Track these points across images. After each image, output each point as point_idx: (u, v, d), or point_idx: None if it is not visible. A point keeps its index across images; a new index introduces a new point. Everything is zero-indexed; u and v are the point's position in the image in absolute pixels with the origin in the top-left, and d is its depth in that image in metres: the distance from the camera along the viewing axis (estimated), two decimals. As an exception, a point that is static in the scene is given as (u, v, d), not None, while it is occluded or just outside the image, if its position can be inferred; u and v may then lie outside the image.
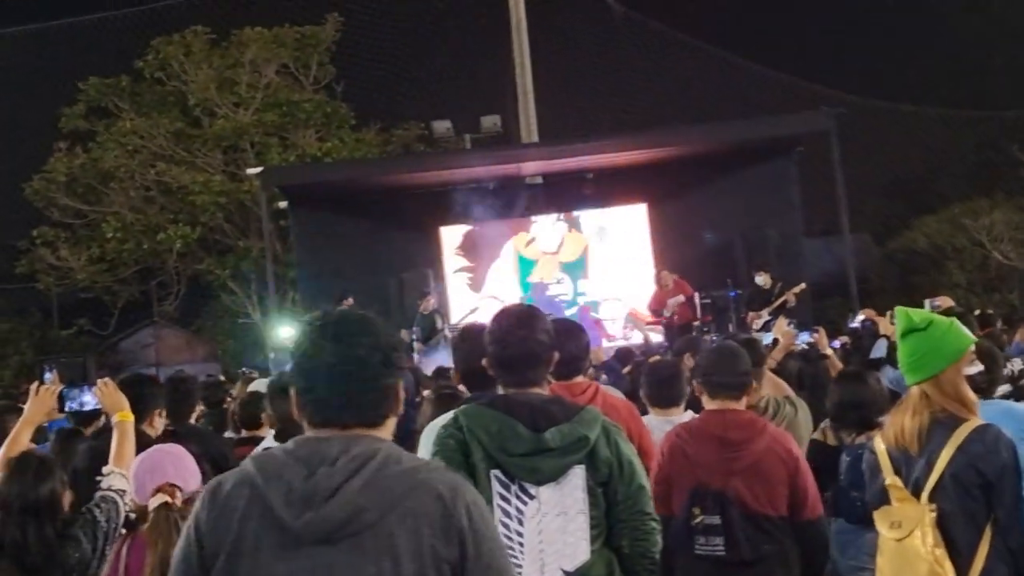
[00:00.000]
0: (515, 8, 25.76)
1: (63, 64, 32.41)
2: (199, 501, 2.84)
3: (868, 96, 31.28)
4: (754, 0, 43.43)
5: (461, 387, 5.62)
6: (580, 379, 5.50)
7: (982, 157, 32.95)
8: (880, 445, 4.44)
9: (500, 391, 5.07)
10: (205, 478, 4.45)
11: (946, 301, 9.34)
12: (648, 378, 6.75)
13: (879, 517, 4.39)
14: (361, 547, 2.72)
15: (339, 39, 31.31)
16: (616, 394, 6.11)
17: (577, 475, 3.94)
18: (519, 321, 4.23)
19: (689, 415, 6.35)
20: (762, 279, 18.46)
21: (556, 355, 4.28)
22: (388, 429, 2.93)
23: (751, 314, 18.23)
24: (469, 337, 5.49)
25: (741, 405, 5.34)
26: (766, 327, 17.57)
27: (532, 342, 4.15)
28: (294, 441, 2.85)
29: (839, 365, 8.58)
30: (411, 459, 2.85)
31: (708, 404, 5.36)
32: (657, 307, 18.93)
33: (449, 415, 4.25)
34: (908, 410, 4.39)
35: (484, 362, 4.30)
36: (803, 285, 18.56)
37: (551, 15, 29.83)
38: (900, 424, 4.38)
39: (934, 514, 4.23)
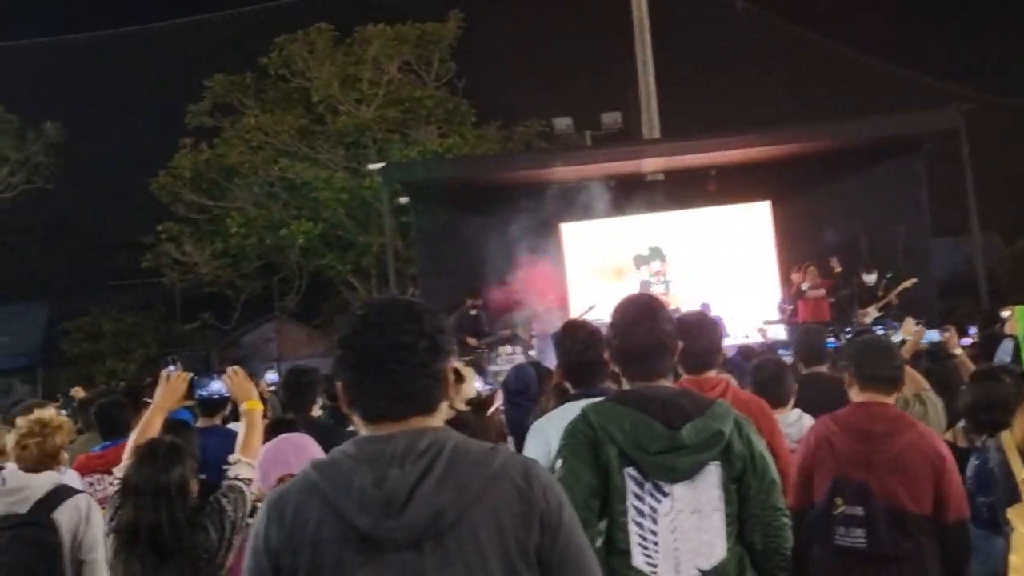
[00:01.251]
0: (637, 5, 25.65)
1: (189, 61, 33.04)
2: (263, 517, 2.78)
3: (996, 93, 30.69)
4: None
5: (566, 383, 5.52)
6: (711, 374, 5.44)
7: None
8: (1009, 442, 4.31)
9: (608, 385, 5.05)
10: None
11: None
12: (754, 377, 6.65)
13: (1014, 514, 4.27)
14: (446, 549, 2.68)
15: (460, 36, 31.42)
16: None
17: (712, 472, 3.87)
18: (643, 311, 4.16)
19: (797, 413, 6.37)
20: (871, 278, 18.30)
21: (680, 345, 4.19)
22: (442, 414, 2.86)
23: (859, 312, 18.05)
24: (571, 332, 5.49)
25: (891, 400, 5.31)
26: (877, 323, 17.36)
27: (658, 331, 4.07)
28: (354, 443, 2.80)
29: (969, 364, 8.39)
30: (479, 447, 2.80)
31: (857, 396, 5.32)
32: (797, 289, 18.82)
33: (571, 410, 4.19)
34: None
35: (606, 355, 4.24)
36: (913, 280, 18.30)
37: (673, 11, 29.68)
38: None
39: None
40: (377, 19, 30.94)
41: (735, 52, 31.94)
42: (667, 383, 4.10)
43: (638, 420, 3.85)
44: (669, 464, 3.83)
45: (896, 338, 9.22)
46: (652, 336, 4.06)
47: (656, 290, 19.31)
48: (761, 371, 6.64)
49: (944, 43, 40.18)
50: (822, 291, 18.76)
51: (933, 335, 9.23)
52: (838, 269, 18.91)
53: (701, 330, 5.38)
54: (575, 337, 5.36)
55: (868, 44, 32.24)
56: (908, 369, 6.70)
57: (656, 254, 19.57)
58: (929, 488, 5.05)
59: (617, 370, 4.22)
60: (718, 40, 31.94)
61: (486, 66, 32.27)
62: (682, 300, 17.92)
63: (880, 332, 10.01)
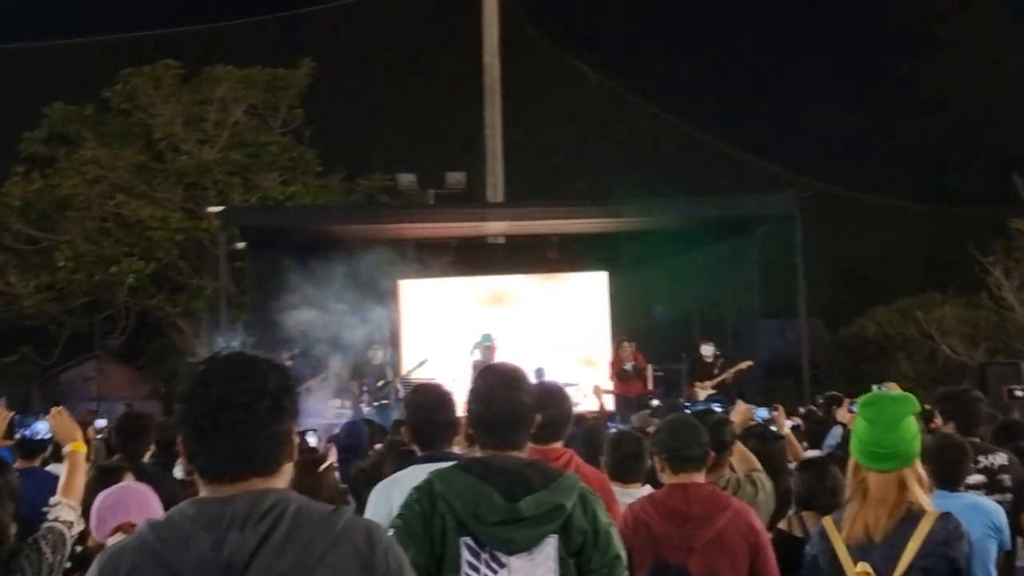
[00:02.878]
0: (490, 70, 25.89)
1: (28, 88, 32.22)
2: (94, 575, 2.67)
3: (828, 183, 31.66)
4: (726, 82, 43.99)
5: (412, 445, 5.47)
6: (557, 445, 5.43)
7: (936, 252, 33.33)
8: (833, 531, 4.39)
9: (456, 450, 5.04)
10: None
11: (893, 387, 9.39)
12: (612, 451, 6.64)
13: None
14: None
15: (311, 84, 31.24)
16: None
17: (550, 545, 3.85)
18: (505, 380, 4.16)
19: (648, 489, 6.27)
20: (708, 349, 18.58)
21: (538, 417, 4.21)
22: (285, 476, 2.80)
23: (695, 386, 18.32)
24: (421, 392, 5.48)
25: (702, 477, 5.30)
26: (709, 400, 17.67)
27: (517, 403, 4.07)
28: (193, 503, 2.71)
29: (796, 446, 8.55)
30: (321, 510, 2.74)
31: (669, 479, 5.29)
32: (617, 365, 18.96)
33: (418, 473, 4.16)
34: (884, 497, 4.34)
35: (463, 421, 4.25)
36: (749, 362, 18.68)
37: (525, 77, 30.00)
38: (874, 513, 4.33)
39: None
40: (227, 60, 30.64)
41: (584, 123, 32.38)
42: (520, 454, 4.09)
43: (479, 490, 3.83)
44: (507, 536, 3.81)
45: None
46: (510, 407, 4.06)
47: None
48: (621, 446, 6.58)
49: (782, 131, 41.44)
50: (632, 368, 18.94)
51: (763, 413, 9.35)
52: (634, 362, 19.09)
53: (551, 400, 5.35)
54: (424, 397, 5.34)
55: (713, 125, 33.11)
56: (740, 448, 6.77)
57: (487, 339, 19.61)
58: (747, 565, 5.12)
59: (472, 435, 4.22)
60: (568, 110, 32.36)
61: (334, 116, 32.19)
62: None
63: (718, 407, 10.16)
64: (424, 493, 3.92)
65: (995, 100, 39.84)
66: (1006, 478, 7.20)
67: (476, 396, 4.16)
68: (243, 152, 29.71)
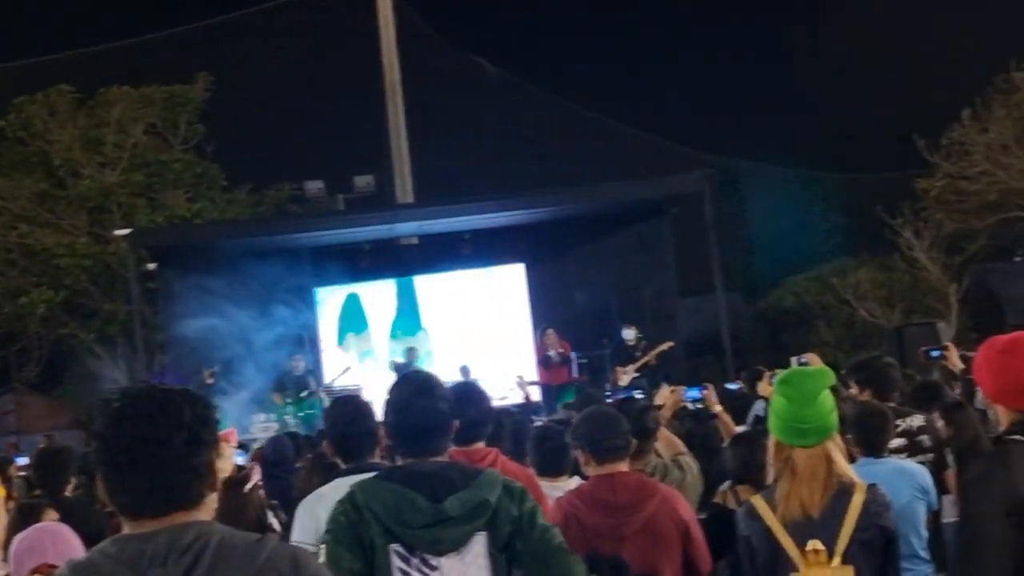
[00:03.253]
0: (390, 71, 25.82)
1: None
2: None
3: (738, 158, 31.93)
4: (626, 65, 44.20)
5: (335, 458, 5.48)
6: (480, 445, 5.41)
7: (848, 218, 33.73)
8: (767, 511, 4.36)
9: (378, 460, 5.01)
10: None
11: (813, 359, 9.43)
12: (537, 446, 6.58)
13: None
14: None
15: (209, 98, 30.96)
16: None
17: (479, 542, 3.84)
18: (419, 389, 4.14)
19: (576, 481, 6.23)
20: (629, 333, 18.65)
21: (456, 423, 4.20)
22: (209, 507, 2.76)
23: (618, 370, 18.38)
24: (339, 405, 5.49)
25: (625, 467, 5.29)
26: (633, 384, 17.77)
27: (433, 411, 4.07)
28: (114, 542, 2.66)
29: (730, 423, 8.57)
30: (245, 540, 2.70)
31: (594, 470, 5.28)
32: (541, 353, 19.04)
33: (342, 487, 4.12)
34: (815, 473, 4.33)
35: (381, 432, 4.20)
36: (670, 343, 18.77)
37: (426, 76, 29.94)
38: (808, 490, 4.31)
39: None
40: (121, 81, 30.28)
41: (488, 117, 32.39)
42: (441, 459, 4.08)
43: (402, 496, 3.82)
44: (434, 537, 3.81)
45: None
46: (427, 415, 4.06)
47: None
48: (546, 440, 6.47)
49: (688, 110, 41.73)
50: (557, 356, 18.98)
51: (693, 393, 9.37)
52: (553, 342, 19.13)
53: (469, 401, 5.34)
54: (343, 409, 5.34)
55: (617, 110, 33.26)
56: (665, 432, 6.80)
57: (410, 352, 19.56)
58: (679, 550, 5.13)
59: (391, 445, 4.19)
60: (471, 105, 32.35)
61: (236, 129, 31.86)
62: (441, 363, 18.06)
63: (639, 394, 10.19)
64: (348, 506, 3.89)
65: (894, 65, 40.38)
66: (925, 439, 7.30)
67: (392, 407, 4.15)
68: (145, 172, 29.42)
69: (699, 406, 9.93)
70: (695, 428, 8.43)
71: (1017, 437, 4.03)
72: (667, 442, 6.67)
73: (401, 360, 18.66)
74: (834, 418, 4.42)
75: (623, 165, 30.38)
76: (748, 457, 6.22)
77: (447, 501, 3.81)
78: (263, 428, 17.11)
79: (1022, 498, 3.86)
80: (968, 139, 26.99)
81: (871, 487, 4.37)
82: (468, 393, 5.48)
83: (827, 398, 4.41)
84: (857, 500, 4.28)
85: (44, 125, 29.52)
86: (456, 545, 3.82)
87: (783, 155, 36.07)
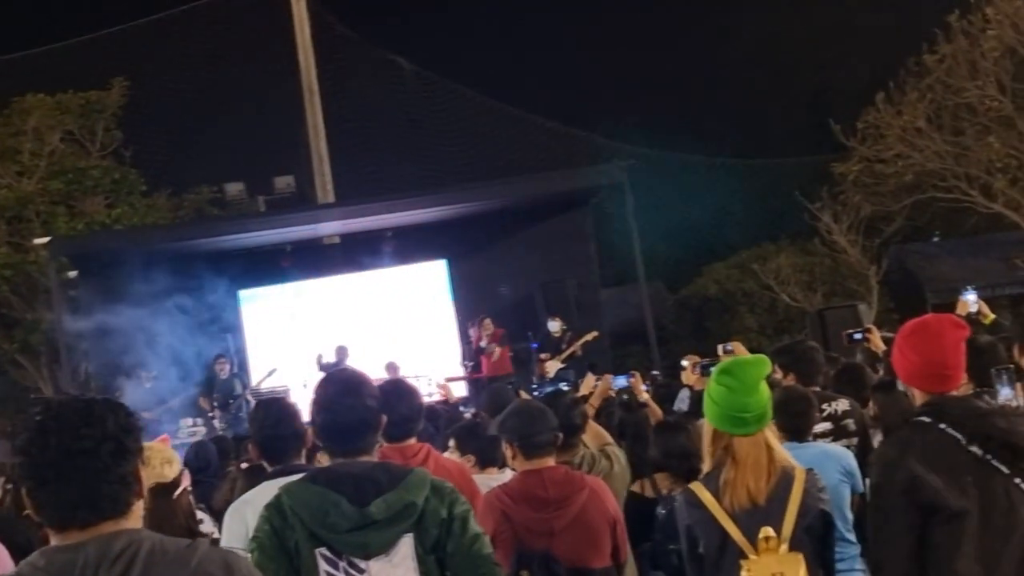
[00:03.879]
0: (306, 72, 25.73)
1: None
2: None
3: (656, 148, 32.05)
4: (543, 57, 44.29)
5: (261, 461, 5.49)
6: (412, 441, 5.43)
7: (766, 204, 33.99)
8: (711, 500, 4.38)
9: (302, 461, 5.04)
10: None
11: (738, 347, 9.51)
12: (467, 439, 6.67)
13: (752, 570, 4.33)
14: None
15: (126, 104, 30.63)
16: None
17: (406, 544, 3.87)
18: (345, 388, 4.15)
19: (509, 474, 6.31)
20: (554, 325, 18.76)
21: (384, 419, 4.20)
22: (136, 515, 2.78)
23: (544, 362, 18.47)
24: (263, 407, 5.52)
25: (553, 461, 5.36)
26: (560, 376, 17.89)
27: (361, 409, 4.08)
28: (43, 554, 2.68)
29: (658, 411, 8.66)
30: (176, 546, 2.73)
31: (521, 465, 5.34)
32: (477, 343, 19.17)
33: (269, 490, 4.16)
34: (758, 460, 4.36)
35: (310, 432, 4.23)
36: (595, 333, 18.89)
37: (343, 76, 29.82)
38: (753, 477, 4.34)
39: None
40: (37, 88, 29.91)
41: (407, 114, 32.29)
42: (369, 457, 4.09)
43: (327, 499, 3.84)
44: (360, 541, 3.83)
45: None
46: (355, 413, 4.06)
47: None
48: (479, 434, 6.62)
49: (604, 101, 41.89)
50: (497, 348, 19.08)
51: (621, 381, 9.39)
52: (490, 331, 19.22)
53: (400, 397, 5.37)
54: (267, 412, 5.34)
55: (535, 104, 33.26)
56: (592, 424, 6.83)
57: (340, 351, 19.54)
58: (608, 542, 5.22)
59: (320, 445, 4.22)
60: (389, 103, 32.23)
61: (154, 134, 31.53)
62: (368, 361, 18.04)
63: (565, 387, 10.24)
64: (274, 511, 3.91)
65: (807, 49, 40.75)
66: (850, 422, 7.33)
67: (318, 406, 4.14)
68: (64, 180, 29.04)
69: (625, 396, 10.00)
70: (626, 417, 8.49)
71: (923, 419, 4.14)
72: (595, 434, 6.69)
73: (331, 360, 18.60)
74: (770, 406, 4.47)
75: (543, 158, 30.42)
76: (670, 445, 6.32)
77: (373, 504, 3.82)
78: (190, 433, 17.00)
79: (915, 478, 3.97)
80: (883, 122, 27.33)
81: (809, 472, 4.42)
82: (398, 390, 5.51)
83: (765, 386, 4.46)
84: (798, 485, 4.32)
85: (-42, 135, 29.14)
86: (383, 548, 3.84)
87: (700, 143, 36.32)
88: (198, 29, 31.40)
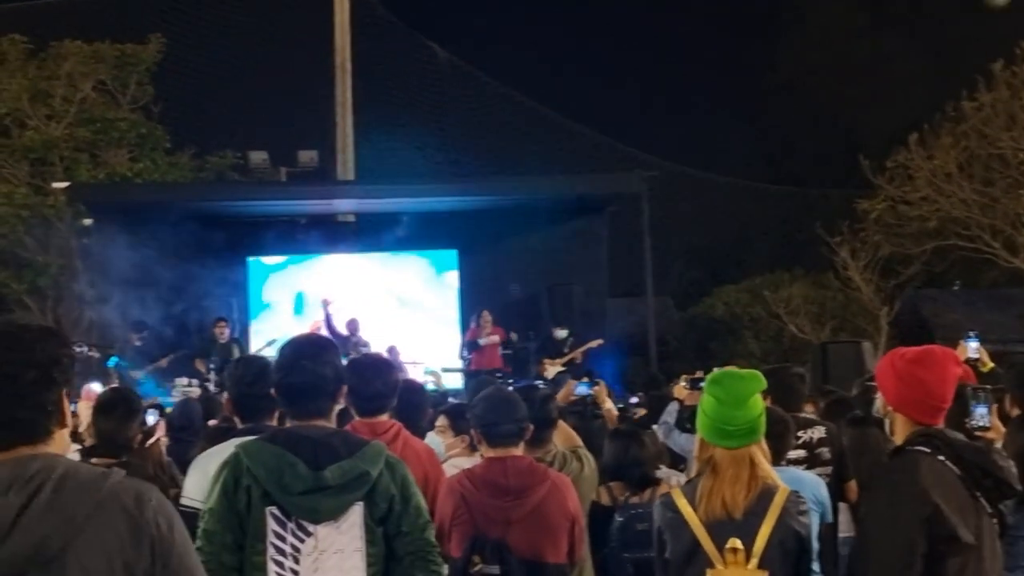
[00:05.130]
0: (341, 50, 25.74)
1: None
2: None
3: (682, 164, 32.01)
4: (578, 60, 44.32)
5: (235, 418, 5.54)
6: (383, 418, 5.44)
7: (786, 232, 33.95)
8: (687, 508, 4.38)
9: (274, 423, 5.07)
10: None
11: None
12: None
13: None
14: None
15: (160, 60, 30.73)
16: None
17: (356, 512, 3.93)
18: (306, 350, 4.21)
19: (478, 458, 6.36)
20: (561, 333, 18.78)
21: (344, 388, 4.25)
22: (59, 443, 2.83)
23: (545, 363, 18.45)
24: (243, 364, 5.60)
25: (519, 451, 5.35)
26: (556, 380, 17.83)
27: (316, 373, 4.11)
28: None
29: (614, 421, 8.64)
30: (89, 472, 2.77)
31: (487, 451, 5.35)
32: (472, 339, 19.08)
33: (231, 447, 4.19)
34: (738, 474, 4.34)
35: (272, 391, 4.26)
36: (599, 341, 18.86)
37: (377, 56, 29.89)
38: (731, 490, 4.31)
39: None
40: (75, 35, 30.00)
41: (435, 102, 32.29)
42: (326, 423, 4.13)
43: (283, 460, 3.88)
44: (311, 505, 3.88)
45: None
46: (312, 376, 4.10)
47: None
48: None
49: (636, 111, 41.92)
50: (495, 339, 19.11)
51: (584, 388, 9.24)
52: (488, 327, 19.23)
53: (376, 372, 5.41)
54: (245, 370, 5.38)
55: (566, 105, 33.28)
56: (562, 426, 6.76)
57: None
58: (565, 537, 5.22)
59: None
60: (419, 88, 32.24)
61: (184, 93, 31.66)
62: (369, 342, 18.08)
63: (541, 384, 10.16)
64: (230, 467, 3.96)
65: (843, 84, 40.67)
66: (825, 451, 7.32)
67: (277, 366, 4.23)
68: (91, 128, 29.14)
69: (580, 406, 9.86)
70: (580, 424, 8.40)
71: (921, 448, 4.12)
72: (565, 436, 6.67)
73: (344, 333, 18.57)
74: (763, 422, 4.44)
75: (566, 160, 30.46)
76: (621, 454, 6.33)
77: (328, 470, 3.87)
78: (184, 392, 17.01)
79: (934, 504, 3.97)
80: (913, 164, 27.17)
81: (792, 492, 4.38)
82: (375, 364, 5.58)
83: (756, 403, 4.43)
84: (777, 503, 4.29)
85: (-7, 73, 29.25)
86: (333, 514, 3.89)
87: (727, 164, 36.29)
88: (238, -5, 31.51)
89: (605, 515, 6.20)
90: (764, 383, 4.52)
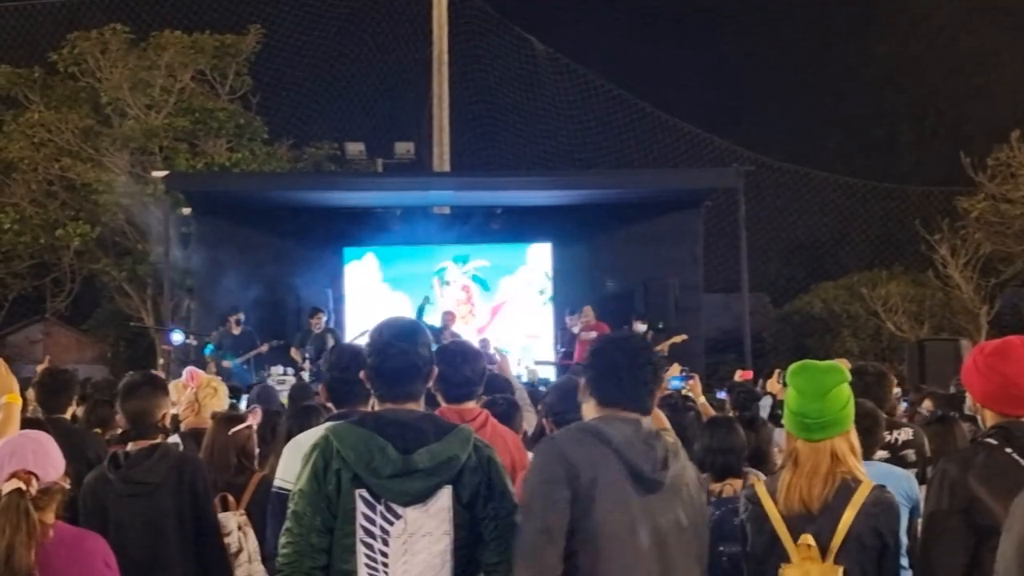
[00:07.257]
0: (438, 41, 25.80)
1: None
2: None
3: (780, 159, 31.71)
4: (676, 54, 44.06)
5: (329, 404, 5.60)
6: (471, 404, 5.45)
7: (885, 229, 33.51)
8: (768, 500, 4.34)
9: (369, 407, 5.05)
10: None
11: (747, 375, 9.30)
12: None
13: (789, 575, 4.28)
14: None
15: (259, 51, 31.08)
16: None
17: (444, 495, 3.91)
18: (400, 333, 4.18)
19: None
20: (640, 328, 18.63)
21: (436, 371, 4.23)
22: None
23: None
24: (338, 351, 5.64)
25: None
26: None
27: (412, 355, 4.10)
28: None
29: (711, 412, 8.56)
30: None
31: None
32: (570, 333, 19.10)
33: (319, 432, 4.19)
34: (817, 467, 4.30)
35: (362, 375, 4.24)
36: (683, 336, 18.67)
37: (474, 48, 29.92)
38: (808, 483, 4.27)
39: None
40: (175, 25, 30.44)
41: (532, 94, 32.25)
42: (416, 407, 4.12)
43: (373, 443, 3.88)
44: (401, 488, 3.86)
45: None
46: (406, 358, 4.09)
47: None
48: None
49: (734, 105, 41.56)
50: (594, 333, 19.01)
51: (677, 383, 9.20)
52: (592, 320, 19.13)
53: (465, 359, 5.40)
54: (340, 356, 5.45)
55: (663, 99, 33.07)
56: (657, 411, 6.75)
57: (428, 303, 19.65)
58: None
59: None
60: (516, 81, 32.23)
61: (282, 84, 32.01)
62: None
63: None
64: (319, 450, 3.96)
65: (947, 79, 40.10)
66: (910, 453, 7.15)
67: (371, 349, 4.19)
68: (190, 118, 29.56)
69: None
70: (672, 417, 8.32)
71: (991, 440, 4.08)
72: (657, 419, 6.66)
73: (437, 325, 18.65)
74: (847, 415, 4.37)
75: (663, 154, 30.28)
76: (712, 440, 6.24)
77: (417, 453, 3.87)
78: (279, 380, 17.14)
79: (974, 499, 3.93)
80: (1015, 161, 26.77)
81: (878, 488, 4.31)
82: (464, 351, 5.55)
83: (839, 395, 4.35)
84: (858, 498, 4.23)
85: (96, 62, 29.71)
86: (422, 497, 3.88)
87: (826, 159, 35.88)
88: (336, -13, 31.71)
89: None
90: (847, 375, 4.44)
